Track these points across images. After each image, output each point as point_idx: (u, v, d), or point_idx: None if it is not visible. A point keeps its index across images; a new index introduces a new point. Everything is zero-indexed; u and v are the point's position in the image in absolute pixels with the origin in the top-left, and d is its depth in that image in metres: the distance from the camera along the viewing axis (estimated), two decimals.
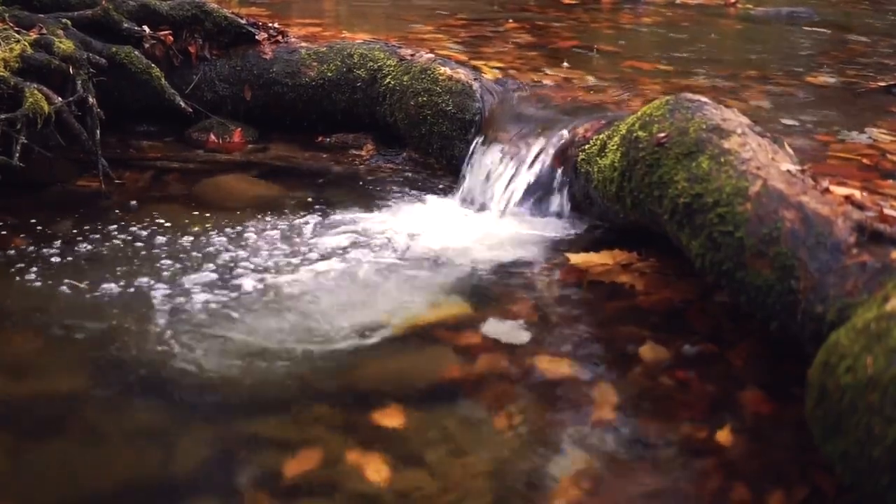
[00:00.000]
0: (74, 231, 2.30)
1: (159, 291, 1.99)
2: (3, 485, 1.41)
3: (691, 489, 1.43)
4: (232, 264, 2.14)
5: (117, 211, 2.46)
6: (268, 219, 2.41)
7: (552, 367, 1.75)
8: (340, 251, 2.23)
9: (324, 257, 2.19)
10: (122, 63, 2.81)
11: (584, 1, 5.50)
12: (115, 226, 2.34)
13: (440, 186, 2.69)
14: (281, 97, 3.04)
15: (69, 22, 2.80)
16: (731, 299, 1.78)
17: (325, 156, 2.93)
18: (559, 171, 2.41)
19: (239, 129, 3.04)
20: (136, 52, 2.85)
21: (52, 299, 1.95)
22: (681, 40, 4.29)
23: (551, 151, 2.43)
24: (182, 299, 1.96)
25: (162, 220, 2.37)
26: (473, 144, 2.64)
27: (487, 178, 2.53)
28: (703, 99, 2.04)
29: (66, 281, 2.02)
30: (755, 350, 1.77)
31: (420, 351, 1.83)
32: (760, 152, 1.81)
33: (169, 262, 2.14)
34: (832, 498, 1.37)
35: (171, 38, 2.97)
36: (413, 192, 2.66)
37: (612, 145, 2.14)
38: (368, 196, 2.61)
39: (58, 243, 2.22)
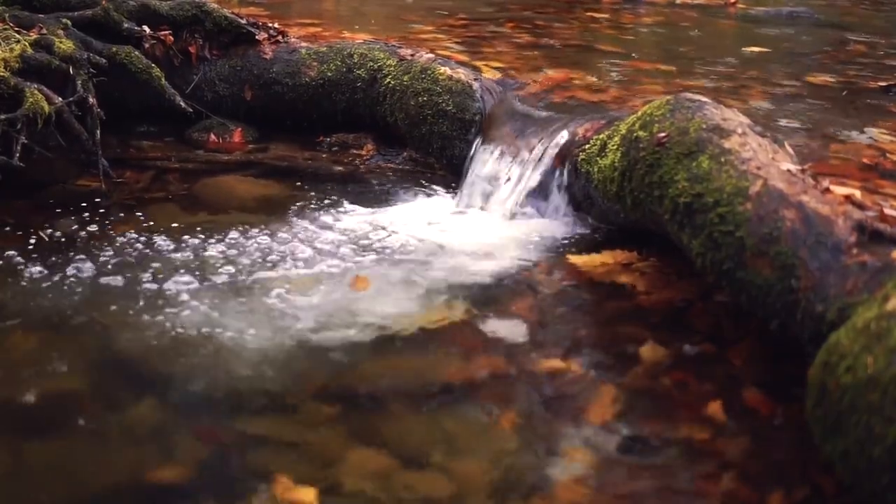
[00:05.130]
0: (75, 231, 2.30)
1: (159, 291, 1.99)
2: (3, 485, 1.41)
3: (691, 489, 1.43)
4: (232, 264, 2.14)
5: (117, 211, 2.46)
6: (268, 219, 2.41)
7: (553, 366, 1.75)
8: (340, 251, 2.23)
9: (324, 257, 2.19)
10: (122, 63, 2.81)
11: (584, 1, 5.50)
12: (115, 226, 2.34)
13: (440, 186, 2.69)
14: (281, 97, 3.04)
15: (69, 22, 2.80)
16: (731, 299, 1.78)
17: (325, 156, 2.93)
18: (559, 171, 2.41)
19: (239, 129, 3.05)
20: (137, 53, 2.85)
21: (53, 299, 1.95)
22: (681, 40, 4.29)
23: (552, 151, 2.43)
24: (182, 299, 1.96)
25: (162, 220, 2.37)
26: (474, 144, 2.64)
27: (488, 178, 2.53)
28: (704, 99, 2.04)
29: (67, 281, 2.02)
30: (755, 350, 1.77)
31: (420, 351, 1.83)
32: (761, 152, 1.82)
33: (169, 261, 2.14)
34: (832, 497, 1.37)
35: (171, 38, 2.97)
36: (413, 192, 2.66)
37: (613, 145, 2.14)
38: (368, 196, 2.61)
39: (58, 243, 2.22)
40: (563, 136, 2.44)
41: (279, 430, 1.55)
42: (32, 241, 2.23)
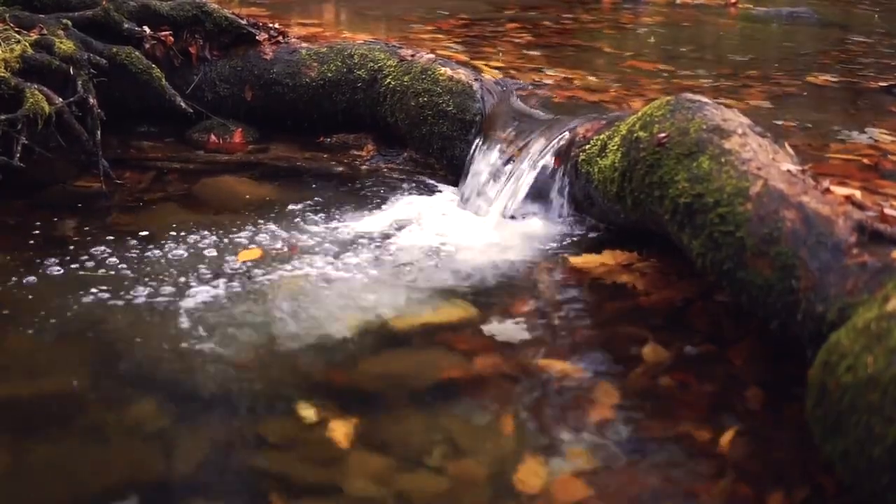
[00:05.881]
0: (75, 231, 2.30)
1: (159, 291, 1.99)
2: (4, 485, 1.41)
3: (692, 489, 1.43)
4: (232, 265, 2.14)
5: (118, 211, 2.46)
6: (268, 219, 2.41)
7: (553, 367, 1.75)
8: (341, 252, 2.23)
9: (324, 258, 2.19)
10: (122, 64, 2.81)
11: (584, 1, 5.50)
12: (115, 226, 2.34)
13: (441, 187, 2.69)
14: (281, 97, 3.04)
15: (70, 22, 2.80)
16: (731, 299, 1.78)
17: (325, 156, 2.93)
18: (560, 171, 2.41)
19: (239, 129, 3.05)
20: (137, 53, 2.85)
21: (53, 299, 1.95)
22: (681, 40, 4.29)
23: (552, 152, 2.43)
24: (181, 299, 1.96)
25: (163, 221, 2.37)
26: (474, 145, 2.64)
27: (488, 178, 2.53)
28: (704, 99, 2.04)
29: (67, 281, 2.02)
30: (756, 350, 1.78)
31: (421, 351, 1.83)
32: (761, 152, 1.82)
33: (169, 262, 2.14)
34: (832, 497, 1.37)
35: (171, 38, 2.97)
36: (414, 192, 2.66)
37: (613, 145, 2.14)
38: (369, 197, 2.61)
39: (58, 244, 2.22)
40: (563, 137, 2.44)
41: (278, 430, 1.55)
42: (33, 241, 2.23)
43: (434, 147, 2.78)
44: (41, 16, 2.82)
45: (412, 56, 2.93)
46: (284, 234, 2.31)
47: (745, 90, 3.07)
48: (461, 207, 2.54)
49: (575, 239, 2.32)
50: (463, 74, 2.80)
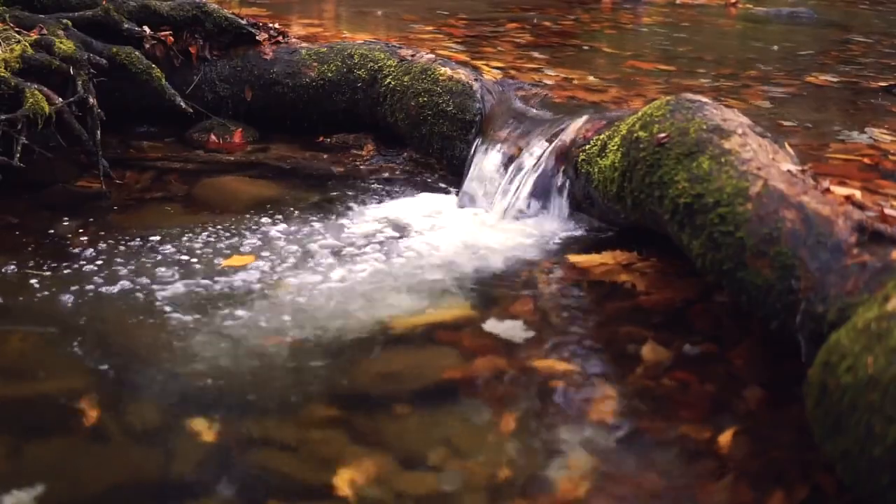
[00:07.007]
0: (75, 231, 2.30)
1: (159, 292, 1.99)
2: (4, 485, 1.41)
3: (692, 489, 1.43)
4: (232, 265, 2.13)
5: (118, 211, 2.46)
6: (268, 219, 2.41)
7: (553, 367, 1.75)
8: (340, 251, 2.23)
9: (324, 258, 2.19)
10: (122, 64, 2.81)
11: (584, 1, 5.50)
12: (115, 226, 2.34)
13: (441, 187, 2.69)
14: (281, 97, 3.04)
15: (70, 22, 2.80)
16: (731, 299, 1.78)
17: (325, 156, 2.93)
18: (560, 171, 2.41)
19: (239, 129, 3.05)
20: (137, 53, 2.85)
21: (53, 299, 1.95)
22: (681, 40, 4.29)
23: (552, 152, 2.43)
24: (182, 299, 1.96)
25: (162, 221, 2.37)
26: (474, 145, 2.65)
27: (488, 178, 2.53)
28: (704, 99, 2.04)
29: (67, 281, 2.02)
30: (756, 350, 1.78)
31: (421, 351, 1.83)
32: (761, 152, 1.82)
33: (169, 262, 2.14)
34: (832, 497, 1.37)
35: (171, 38, 2.97)
36: (413, 192, 2.66)
37: (613, 146, 2.14)
38: (369, 196, 2.61)
39: (58, 244, 2.22)
40: (563, 137, 2.44)
41: (278, 430, 1.55)
42: (33, 241, 2.23)
43: (434, 147, 2.78)
44: (41, 16, 2.82)
45: (412, 56, 2.93)
46: (283, 235, 2.31)
47: (745, 90, 3.08)
48: (461, 207, 2.54)
49: (575, 239, 2.32)
50: (463, 74, 2.80)
